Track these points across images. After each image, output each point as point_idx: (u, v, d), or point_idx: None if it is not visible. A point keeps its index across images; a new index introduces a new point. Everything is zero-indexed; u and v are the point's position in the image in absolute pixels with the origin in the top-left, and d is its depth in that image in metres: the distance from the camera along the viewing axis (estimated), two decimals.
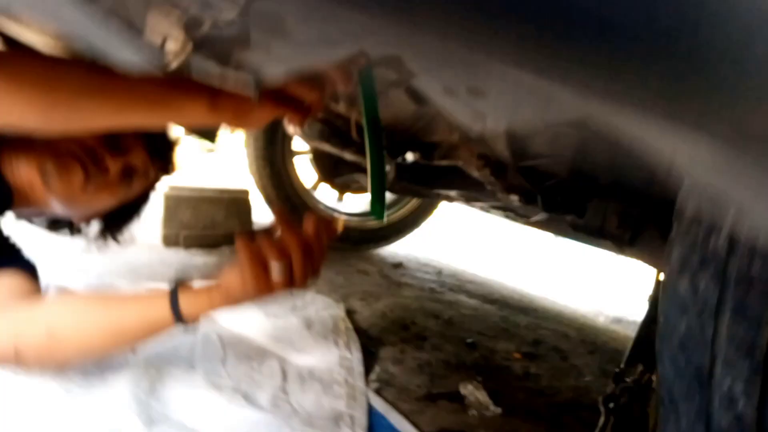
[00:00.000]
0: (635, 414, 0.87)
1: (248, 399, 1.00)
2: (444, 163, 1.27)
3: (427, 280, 2.14)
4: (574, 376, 1.36)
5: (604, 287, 3.26)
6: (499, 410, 1.09)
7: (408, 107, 1.12)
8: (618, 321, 2.59)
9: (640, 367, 0.91)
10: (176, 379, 1.02)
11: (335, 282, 1.82)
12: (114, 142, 1.06)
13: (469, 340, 1.46)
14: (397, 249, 2.58)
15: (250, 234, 0.83)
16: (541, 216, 2.00)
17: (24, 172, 0.99)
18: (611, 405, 0.87)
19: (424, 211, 2.60)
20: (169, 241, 2.08)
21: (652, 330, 1.01)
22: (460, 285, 2.16)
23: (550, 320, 1.88)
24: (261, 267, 0.81)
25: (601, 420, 0.84)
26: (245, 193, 2.33)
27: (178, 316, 0.87)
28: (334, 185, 2.37)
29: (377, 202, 0.82)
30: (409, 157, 1.87)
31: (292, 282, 0.83)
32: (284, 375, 1.12)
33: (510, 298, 2.12)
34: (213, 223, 2.17)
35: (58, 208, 1.06)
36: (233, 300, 0.88)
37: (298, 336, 1.29)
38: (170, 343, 1.15)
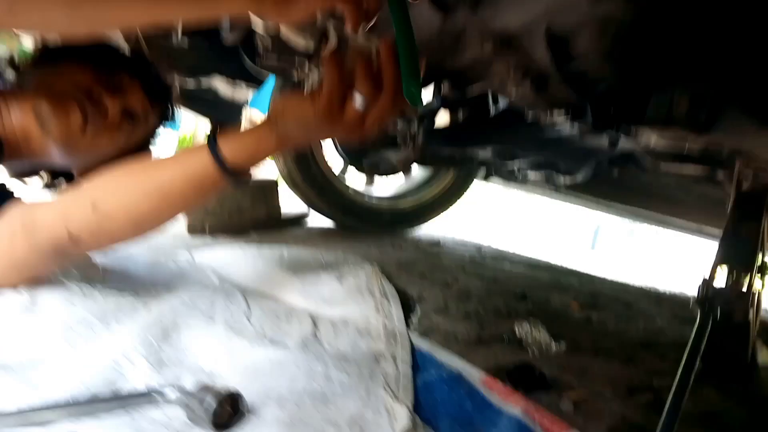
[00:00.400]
0: (737, 318, 0.72)
1: (274, 343, 0.88)
2: (478, 89, 1.13)
3: (466, 254, 2.00)
4: (644, 320, 1.20)
5: (652, 268, 3.05)
6: (563, 347, 0.95)
7: (433, 23, 1.00)
8: None
9: (733, 270, 0.76)
10: (192, 327, 0.90)
11: (368, 254, 1.70)
12: (110, 82, 1.01)
13: (518, 291, 1.31)
14: (430, 231, 2.44)
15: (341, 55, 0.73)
16: (586, 172, 1.85)
17: (17, 120, 0.93)
18: (704, 306, 0.72)
19: (458, 190, 2.47)
20: (194, 229, 1.99)
21: (740, 230, 0.86)
22: (502, 257, 2.01)
23: (605, 282, 1.72)
24: (342, 92, 0.72)
25: (697, 324, 0.69)
26: (272, 180, 2.23)
27: (220, 163, 0.77)
28: (361, 169, 2.26)
29: (411, 81, 0.70)
30: (439, 120, 1.76)
31: (365, 123, 0.74)
32: (315, 324, 1.00)
33: (557, 267, 1.96)
34: (239, 209, 2.07)
35: (56, 156, 1.00)
36: (287, 133, 0.77)
37: (329, 290, 1.16)
38: (187, 296, 1.04)
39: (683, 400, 0.55)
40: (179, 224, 2.01)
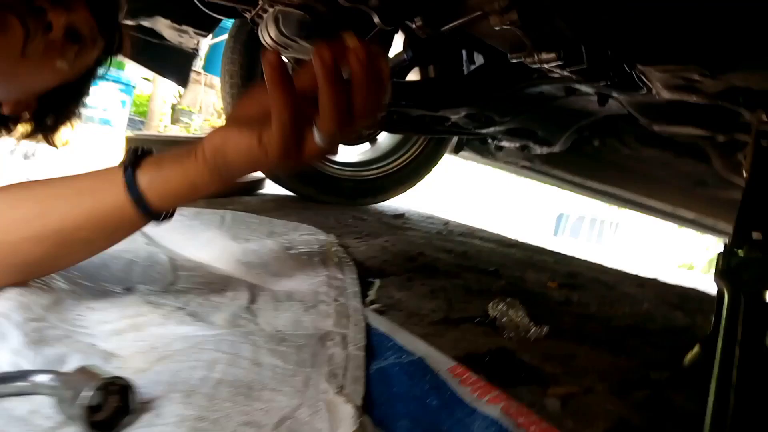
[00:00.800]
0: None
1: (196, 318, 0.71)
2: (456, 24, 0.97)
3: (433, 227, 1.86)
4: (629, 304, 1.08)
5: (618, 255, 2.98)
6: (544, 330, 0.81)
7: None
8: None
9: (759, 235, 0.63)
10: (95, 296, 0.73)
11: (325, 224, 1.53)
12: None
13: (491, 269, 1.17)
14: (395, 204, 2.29)
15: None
16: (565, 141, 1.72)
17: None
18: (730, 279, 0.58)
19: (426, 162, 2.31)
20: None
21: (763, 189, 0.72)
22: (471, 232, 1.88)
23: (581, 261, 1.60)
24: (299, 129, 0.55)
25: (727, 303, 0.56)
26: None
27: (140, 204, 0.62)
28: None
29: None
30: (410, 75, 1.60)
31: (330, 151, 0.60)
32: (252, 297, 0.83)
33: (529, 246, 1.83)
34: None
35: None
36: (227, 172, 0.62)
37: (274, 259, 1.00)
38: (97, 259, 0.86)
39: (729, 409, 0.41)
40: None
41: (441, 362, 0.65)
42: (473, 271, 1.15)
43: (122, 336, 0.64)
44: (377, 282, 0.92)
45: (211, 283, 0.88)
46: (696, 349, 0.76)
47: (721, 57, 0.68)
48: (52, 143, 0.98)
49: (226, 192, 1.94)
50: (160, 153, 0.66)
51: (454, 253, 1.31)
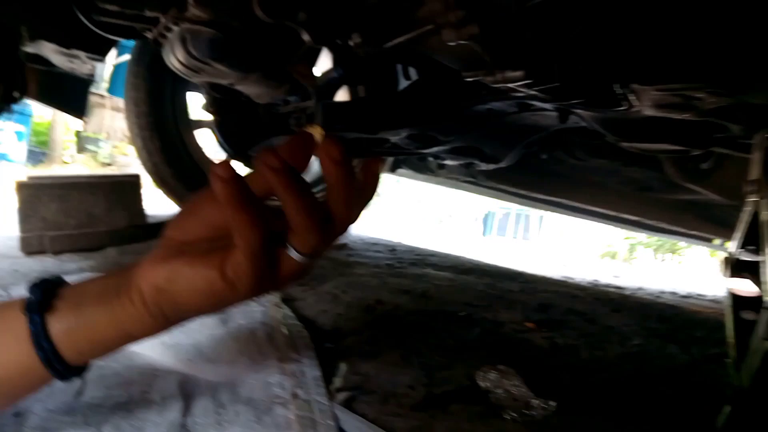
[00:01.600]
0: None
1: None
2: (402, 40, 0.82)
3: (381, 257, 1.71)
4: (618, 341, 0.97)
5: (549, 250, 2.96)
6: (552, 405, 0.68)
7: None
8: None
9: None
10: None
11: None
12: None
13: (461, 314, 1.04)
14: None
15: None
16: (512, 156, 1.62)
17: None
18: None
19: None
20: (30, 246, 1.53)
21: None
22: (421, 259, 1.75)
23: (543, 283, 1.50)
24: (271, 251, 0.43)
25: None
26: (133, 176, 1.80)
27: (50, 359, 0.45)
28: (247, 162, 1.89)
29: None
30: (340, 94, 1.45)
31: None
32: (186, 400, 0.65)
33: (485, 267, 1.72)
34: (90, 218, 1.63)
35: None
36: (175, 314, 0.47)
37: (207, 338, 0.81)
38: None
39: None
40: (10, 239, 1.54)
41: None
42: (441, 319, 1.01)
43: None
44: (343, 365, 0.76)
45: (130, 384, 0.69)
46: (726, 410, 0.66)
47: (741, 76, 0.57)
48: None
49: (143, 234, 1.71)
50: (77, 287, 0.48)
51: (413, 294, 1.17)
